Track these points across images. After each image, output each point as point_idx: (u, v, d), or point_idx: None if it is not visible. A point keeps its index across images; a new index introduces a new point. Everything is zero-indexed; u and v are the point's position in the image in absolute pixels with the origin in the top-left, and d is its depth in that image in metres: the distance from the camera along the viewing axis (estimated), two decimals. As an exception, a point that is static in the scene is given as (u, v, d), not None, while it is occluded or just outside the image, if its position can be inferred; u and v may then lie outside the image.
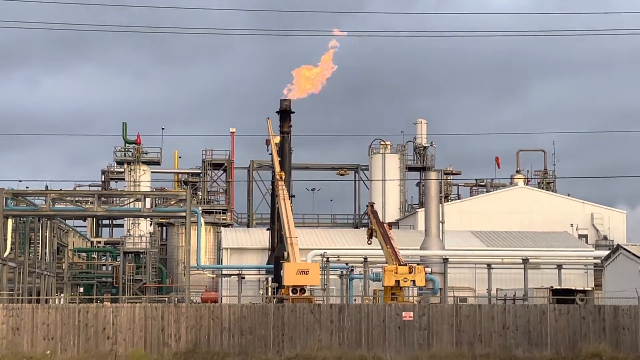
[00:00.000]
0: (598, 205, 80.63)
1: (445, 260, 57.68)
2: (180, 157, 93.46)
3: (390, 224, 56.81)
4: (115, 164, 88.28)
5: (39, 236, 63.54)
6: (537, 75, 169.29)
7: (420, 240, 60.33)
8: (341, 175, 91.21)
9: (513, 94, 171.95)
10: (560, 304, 43.11)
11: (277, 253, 58.70)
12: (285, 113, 62.08)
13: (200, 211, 69.74)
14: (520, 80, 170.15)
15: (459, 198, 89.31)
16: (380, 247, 50.96)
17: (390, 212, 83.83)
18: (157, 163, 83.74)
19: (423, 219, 62.36)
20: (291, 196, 60.32)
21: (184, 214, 53.55)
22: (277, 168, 57.60)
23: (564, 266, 62.08)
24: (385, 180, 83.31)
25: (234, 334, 40.20)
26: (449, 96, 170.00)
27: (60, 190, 56.83)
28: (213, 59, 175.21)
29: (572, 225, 76.14)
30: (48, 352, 38.73)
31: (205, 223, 78.06)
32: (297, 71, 59.74)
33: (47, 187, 62.31)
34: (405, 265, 47.36)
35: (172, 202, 56.44)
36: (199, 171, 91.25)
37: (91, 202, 54.48)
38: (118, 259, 77.74)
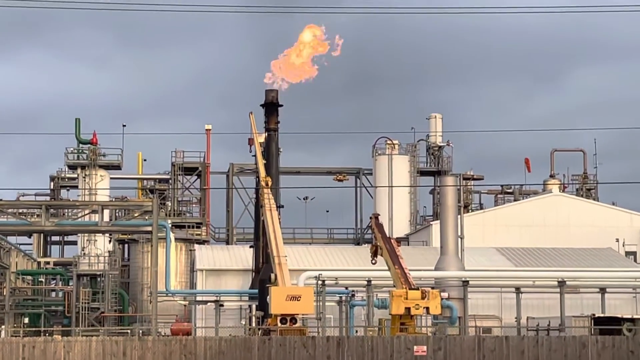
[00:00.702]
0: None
1: (466, 283, 57.71)
2: (145, 160, 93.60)
3: (399, 240, 56.85)
4: (66, 169, 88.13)
5: (-26, 256, 63.50)
6: (578, 60, 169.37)
7: (434, 259, 60.37)
8: (339, 181, 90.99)
9: (548, 83, 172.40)
10: (604, 335, 43.18)
11: (263, 275, 58.69)
12: (271, 106, 62.10)
13: (170, 225, 69.71)
14: (557, 67, 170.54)
15: (481, 208, 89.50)
16: (386, 268, 50.94)
17: (399, 225, 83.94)
18: (118, 167, 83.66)
19: (438, 233, 62.43)
20: (279, 206, 60.29)
21: (149, 228, 53.51)
22: (262, 173, 57.59)
23: (608, 290, 62.12)
24: (392, 186, 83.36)
25: (210, 373, 40.14)
26: (470, 86, 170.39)
27: (0, 200, 56.74)
28: (186, 42, 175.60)
29: (617, 240, 76.31)
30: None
31: (176, 239, 77.95)
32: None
33: (-16, 196, 62.31)
34: (417, 289, 47.31)
35: (136, 215, 56.44)
36: (168, 177, 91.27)
37: (38, 215, 54.54)
38: (70, 283, 77.56)
